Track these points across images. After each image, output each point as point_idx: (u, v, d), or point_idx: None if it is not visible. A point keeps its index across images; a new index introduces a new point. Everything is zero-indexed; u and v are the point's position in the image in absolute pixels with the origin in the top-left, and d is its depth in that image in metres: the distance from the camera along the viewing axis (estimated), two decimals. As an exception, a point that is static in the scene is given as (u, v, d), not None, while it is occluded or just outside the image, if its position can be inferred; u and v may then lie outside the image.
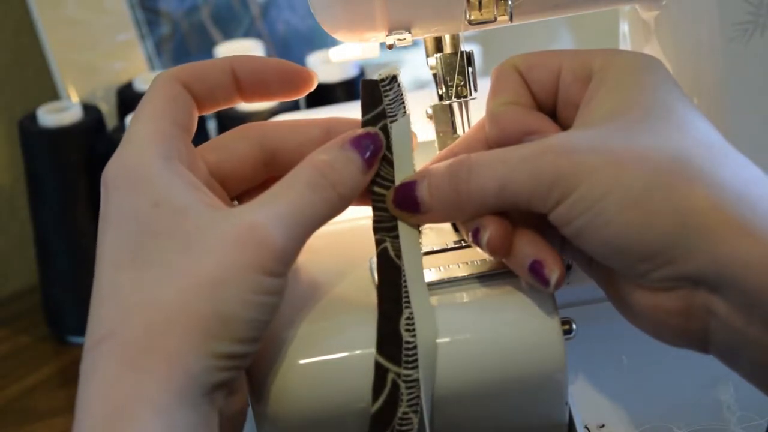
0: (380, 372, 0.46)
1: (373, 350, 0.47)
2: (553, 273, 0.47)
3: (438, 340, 0.47)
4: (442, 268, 0.51)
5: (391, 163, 0.50)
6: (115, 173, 0.46)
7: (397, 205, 0.49)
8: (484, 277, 0.50)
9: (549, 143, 0.46)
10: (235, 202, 0.53)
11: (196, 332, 0.42)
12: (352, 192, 0.47)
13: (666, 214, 0.43)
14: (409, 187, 0.48)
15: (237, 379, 0.45)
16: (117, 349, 0.42)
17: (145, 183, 0.45)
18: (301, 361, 0.47)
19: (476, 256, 0.51)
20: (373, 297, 0.48)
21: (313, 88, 0.52)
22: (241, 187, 0.52)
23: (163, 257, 0.44)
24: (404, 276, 0.48)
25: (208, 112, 0.51)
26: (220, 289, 0.43)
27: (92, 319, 0.44)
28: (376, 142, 0.49)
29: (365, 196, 0.50)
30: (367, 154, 0.48)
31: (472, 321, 0.48)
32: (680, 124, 0.46)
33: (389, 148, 0.50)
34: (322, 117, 0.52)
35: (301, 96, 0.52)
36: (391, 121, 0.50)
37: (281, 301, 0.45)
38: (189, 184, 0.46)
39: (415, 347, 0.46)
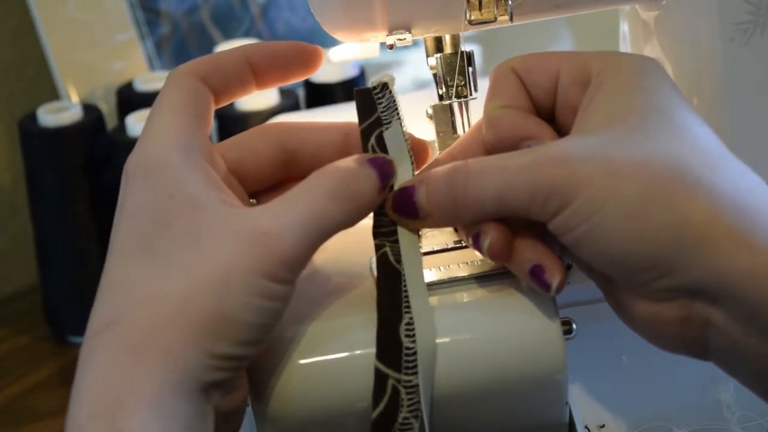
0: (380, 378, 0.46)
1: (373, 350, 0.47)
2: (554, 278, 0.47)
3: (438, 341, 0.47)
4: (442, 268, 0.51)
5: None
6: (135, 164, 0.46)
7: (395, 210, 0.49)
8: (484, 277, 0.50)
9: (547, 152, 0.46)
10: (253, 200, 0.53)
11: (197, 330, 0.42)
12: (369, 207, 0.47)
13: (664, 225, 0.43)
14: (407, 192, 0.48)
15: (235, 378, 0.45)
16: (117, 338, 0.42)
17: (163, 174, 0.45)
18: (302, 361, 0.47)
19: (476, 256, 0.51)
20: (373, 297, 0.48)
21: (322, 63, 0.52)
22: (259, 185, 0.52)
23: (173, 251, 0.43)
24: (404, 281, 0.48)
25: (226, 104, 0.51)
26: (225, 289, 0.43)
27: (96, 307, 0.44)
28: (391, 167, 0.49)
29: None
30: (381, 177, 0.48)
31: (472, 321, 0.48)
32: (678, 130, 0.46)
33: (386, 154, 0.50)
34: (340, 121, 0.52)
35: (313, 73, 0.52)
36: (386, 128, 0.50)
37: (286, 308, 0.45)
38: (207, 179, 0.46)
39: (415, 353, 0.46)
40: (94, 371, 0.42)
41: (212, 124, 0.50)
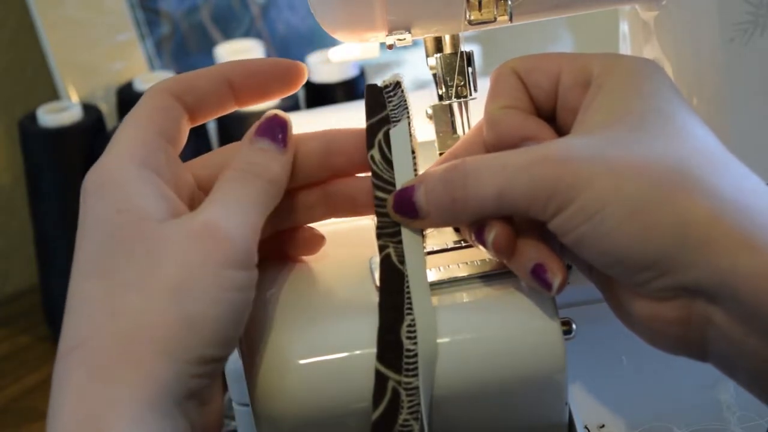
0: (380, 380, 0.46)
1: (373, 350, 0.47)
2: (556, 277, 0.47)
3: (438, 341, 0.47)
4: (442, 268, 0.51)
5: (392, 167, 0.50)
6: (90, 181, 0.46)
7: (396, 210, 0.49)
8: (484, 277, 0.50)
9: (547, 150, 0.45)
10: None
11: (164, 338, 0.42)
12: (280, 174, 0.48)
13: (665, 225, 0.43)
14: (406, 192, 0.48)
15: (209, 388, 0.44)
16: (86, 358, 0.42)
17: (113, 189, 0.45)
18: (301, 361, 0.47)
19: (477, 256, 0.51)
20: (373, 297, 0.48)
21: (305, 80, 0.52)
22: None
23: (124, 265, 0.43)
24: (407, 282, 0.48)
25: (203, 122, 0.51)
26: (185, 290, 0.42)
27: (63, 328, 0.44)
28: (277, 120, 0.49)
29: (370, 205, 0.50)
30: (278, 135, 0.48)
31: (472, 321, 0.48)
32: (679, 132, 0.46)
33: (391, 152, 0.50)
34: (320, 130, 0.52)
35: (295, 90, 0.52)
36: (394, 126, 0.50)
37: (251, 298, 0.45)
38: (158, 193, 0.45)
39: (415, 355, 0.46)
40: (69, 394, 0.42)
41: (183, 142, 0.49)
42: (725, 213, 0.43)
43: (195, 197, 0.49)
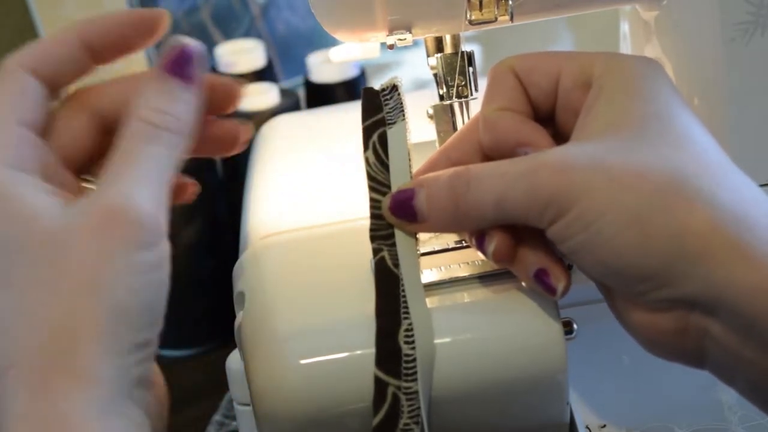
0: (380, 386, 0.46)
1: (373, 350, 0.47)
2: (559, 281, 0.46)
3: (438, 341, 0.47)
4: (443, 268, 0.51)
5: (387, 169, 0.49)
6: None
7: (394, 212, 0.48)
8: (485, 277, 0.50)
9: (546, 158, 0.45)
10: (92, 178, 0.49)
11: (94, 336, 0.40)
12: (193, 120, 0.45)
13: (663, 236, 0.43)
14: (405, 194, 0.48)
15: (150, 370, 0.43)
16: (23, 377, 0.40)
17: None
18: (301, 361, 0.47)
19: (477, 256, 0.51)
20: (373, 297, 0.48)
21: (167, 25, 0.50)
22: (87, 162, 0.49)
23: (33, 272, 0.41)
24: (402, 286, 0.48)
25: (64, 87, 0.48)
26: (101, 283, 0.41)
27: None
28: (185, 51, 0.46)
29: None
30: (186, 70, 0.46)
31: (473, 321, 0.48)
32: (678, 138, 0.45)
33: (386, 153, 0.50)
34: (150, 69, 0.49)
35: (157, 39, 0.49)
36: (389, 128, 0.50)
37: (168, 272, 0.43)
38: (39, 190, 0.43)
39: (414, 360, 0.46)
40: (14, 414, 0.40)
41: (45, 119, 0.46)
42: (724, 224, 0.42)
43: (60, 173, 0.47)
